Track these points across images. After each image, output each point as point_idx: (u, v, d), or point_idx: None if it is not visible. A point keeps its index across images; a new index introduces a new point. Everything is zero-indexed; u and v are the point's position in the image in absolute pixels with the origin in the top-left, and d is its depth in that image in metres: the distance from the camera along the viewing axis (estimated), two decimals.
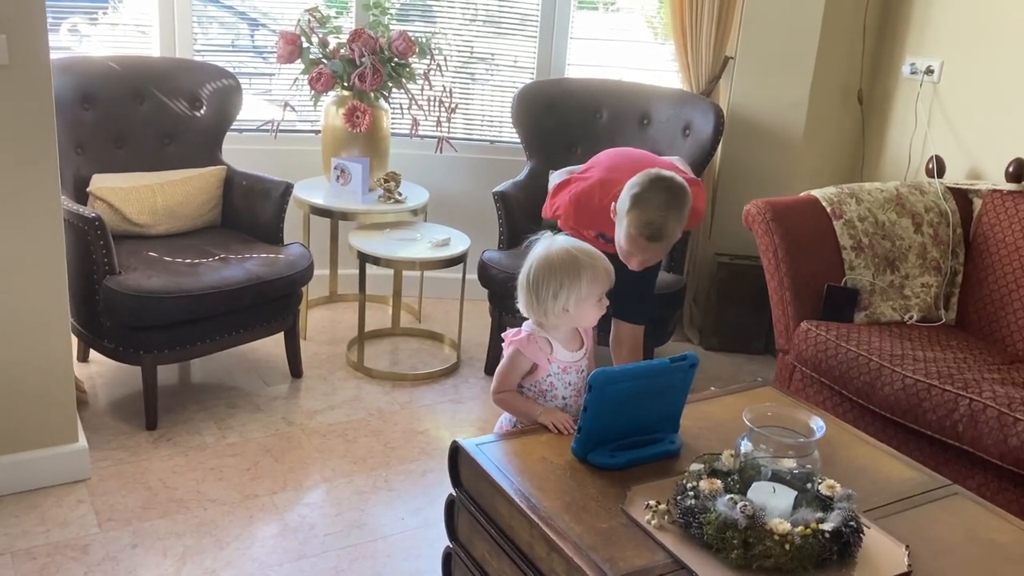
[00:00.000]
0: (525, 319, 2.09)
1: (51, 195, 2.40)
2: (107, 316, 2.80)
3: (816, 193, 3.16)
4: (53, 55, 2.35)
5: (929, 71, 3.51)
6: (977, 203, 3.22)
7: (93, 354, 3.24)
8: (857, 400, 2.75)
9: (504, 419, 2.14)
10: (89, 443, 2.68)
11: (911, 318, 3.05)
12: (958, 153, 3.41)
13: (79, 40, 3.72)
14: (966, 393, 2.48)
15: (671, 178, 2.30)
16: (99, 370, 3.23)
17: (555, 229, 2.34)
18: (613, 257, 2.54)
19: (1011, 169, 3.12)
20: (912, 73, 3.59)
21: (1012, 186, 3.12)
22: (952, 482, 1.92)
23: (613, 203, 2.36)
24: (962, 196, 3.25)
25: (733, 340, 3.90)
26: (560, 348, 2.04)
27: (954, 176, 3.37)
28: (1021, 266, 2.96)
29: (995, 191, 3.14)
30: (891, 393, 2.62)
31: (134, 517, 2.47)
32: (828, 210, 3.09)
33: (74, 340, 2.82)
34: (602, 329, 2.87)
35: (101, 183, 3.12)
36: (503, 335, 2.11)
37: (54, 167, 2.39)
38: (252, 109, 3.76)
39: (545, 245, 2.03)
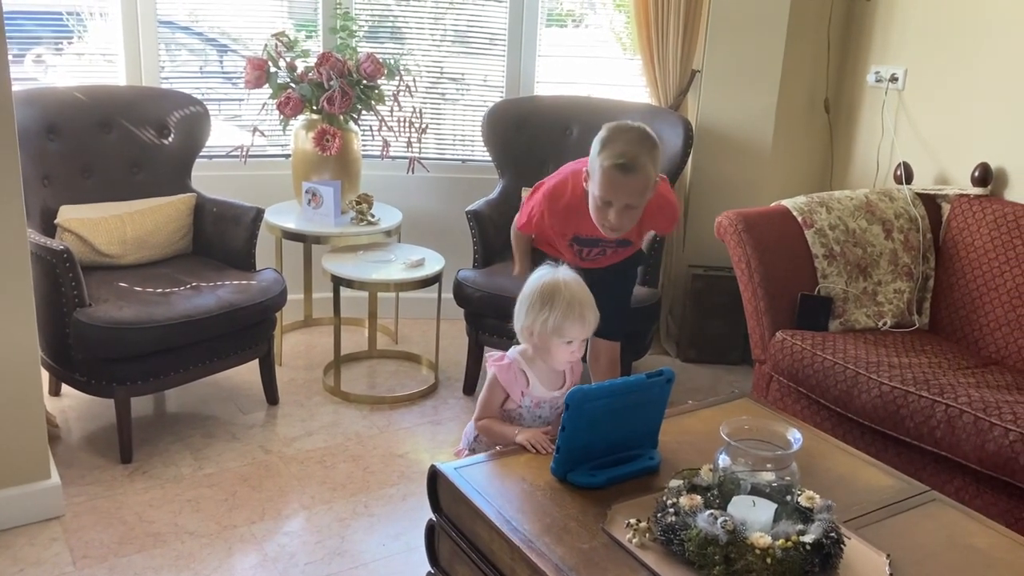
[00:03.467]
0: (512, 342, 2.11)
1: (17, 228, 2.36)
2: (78, 349, 2.76)
3: (787, 203, 3.18)
4: (18, 86, 2.33)
5: (893, 79, 3.56)
6: (945, 208, 3.25)
7: (65, 388, 3.20)
8: (835, 408, 2.76)
9: (469, 428, 2.14)
10: (62, 479, 2.63)
11: (885, 324, 3.07)
12: (925, 159, 3.45)
13: (44, 70, 3.69)
14: (942, 399, 2.50)
15: (638, 122, 2.36)
16: (71, 404, 3.19)
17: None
18: (592, 271, 2.55)
19: (977, 173, 3.16)
20: (877, 81, 3.64)
21: (979, 190, 3.16)
22: (930, 488, 1.93)
23: (585, 169, 2.37)
24: (930, 201, 3.28)
25: (710, 351, 3.91)
26: (536, 384, 2.04)
27: (922, 182, 3.40)
28: (991, 269, 2.99)
29: (962, 196, 3.18)
30: (868, 401, 2.63)
31: (110, 553, 2.43)
32: (799, 219, 3.11)
33: (44, 374, 2.78)
34: None
35: (69, 214, 3.08)
36: (486, 355, 2.11)
37: (19, 200, 2.36)
38: (221, 135, 3.74)
39: (549, 270, 2.04)
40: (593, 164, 2.31)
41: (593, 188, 2.33)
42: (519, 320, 2.02)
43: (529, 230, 2.64)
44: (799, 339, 2.88)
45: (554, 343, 1.99)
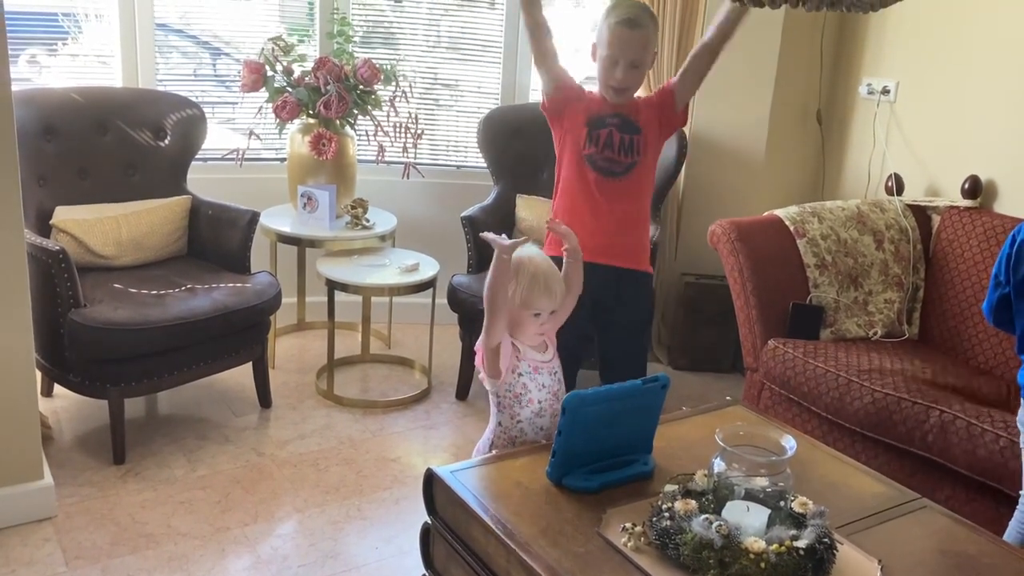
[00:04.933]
0: None
1: (14, 229, 2.37)
2: (72, 350, 2.76)
3: (779, 212, 3.21)
4: (13, 87, 2.33)
5: (885, 91, 3.60)
6: (936, 219, 3.29)
7: (57, 388, 3.19)
8: (826, 416, 2.78)
9: (482, 444, 2.14)
10: (55, 480, 2.63)
11: (875, 334, 3.10)
12: (916, 171, 3.49)
13: (39, 71, 3.69)
14: (936, 405, 2.53)
15: None
16: (64, 405, 3.18)
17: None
18: (605, 305, 2.53)
19: (967, 186, 3.20)
20: (869, 93, 3.67)
21: (968, 202, 3.19)
22: (921, 495, 1.95)
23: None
24: (921, 213, 3.32)
25: (701, 359, 3.93)
26: (528, 349, 2.05)
27: (912, 193, 3.44)
28: (980, 280, 3.02)
29: (952, 207, 3.22)
30: (861, 407, 2.65)
31: (103, 554, 2.43)
32: (791, 229, 3.14)
33: (37, 375, 2.78)
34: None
35: (65, 215, 3.09)
36: (476, 346, 2.11)
37: (17, 201, 2.36)
38: (216, 138, 3.75)
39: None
40: (601, 30, 2.46)
41: (601, 50, 2.47)
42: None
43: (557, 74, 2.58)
44: (791, 347, 2.91)
45: (523, 316, 2.01)
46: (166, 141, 3.40)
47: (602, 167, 2.55)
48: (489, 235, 2.00)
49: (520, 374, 2.03)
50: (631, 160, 2.56)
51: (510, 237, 2.05)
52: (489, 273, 2.00)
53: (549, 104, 2.61)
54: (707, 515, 1.60)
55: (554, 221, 2.20)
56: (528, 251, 2.06)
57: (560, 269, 2.10)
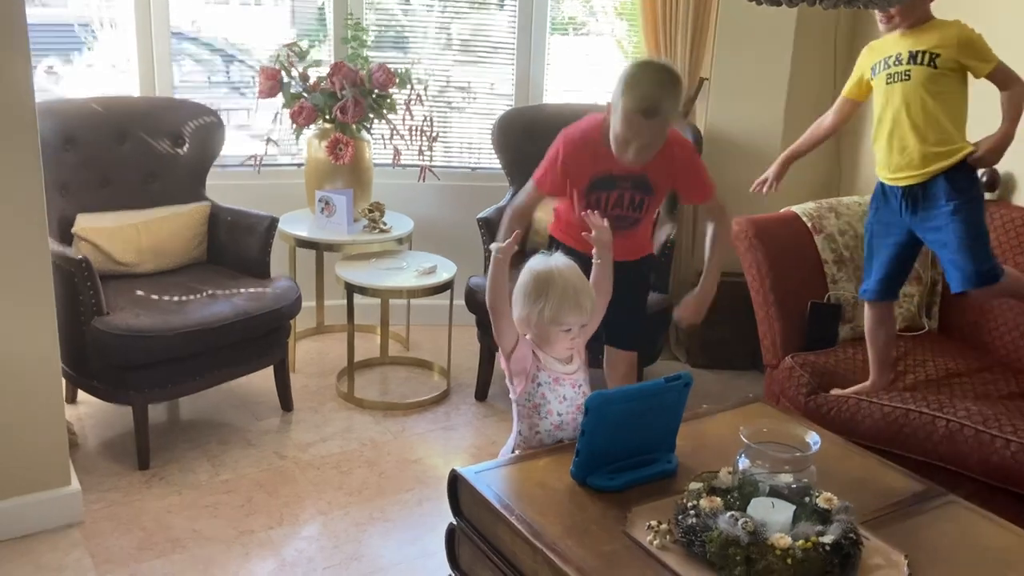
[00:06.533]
0: None
1: (39, 238, 2.40)
2: (96, 357, 2.79)
3: (796, 209, 3.21)
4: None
5: None
6: None
7: (81, 395, 3.22)
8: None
9: (504, 451, 2.15)
10: (81, 485, 2.66)
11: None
12: None
13: (56, 81, 3.73)
14: (942, 414, 2.51)
15: (662, 61, 2.37)
16: (88, 411, 3.21)
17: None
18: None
19: (984, 179, 3.17)
20: None
21: (986, 195, 3.17)
22: (946, 490, 1.95)
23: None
24: None
25: (720, 357, 3.93)
26: (550, 359, 2.04)
27: None
28: None
29: None
30: (872, 424, 2.62)
31: (130, 559, 2.45)
32: (808, 225, 3.14)
33: (62, 382, 2.81)
34: (592, 350, 2.87)
35: (86, 223, 3.12)
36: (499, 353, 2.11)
37: (41, 211, 2.39)
38: (233, 144, 3.77)
39: (542, 258, 2.04)
40: (616, 103, 2.35)
41: (615, 124, 2.37)
42: (515, 311, 2.02)
43: (544, 186, 2.58)
44: (808, 372, 2.85)
45: (553, 332, 1.99)
46: (184, 148, 3.43)
47: (608, 221, 2.51)
48: (492, 245, 2.03)
49: (539, 384, 2.02)
50: (638, 216, 2.59)
51: (526, 238, 2.03)
52: (488, 276, 2.00)
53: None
54: (732, 512, 1.60)
55: (590, 213, 2.16)
56: (557, 262, 2.01)
57: (586, 269, 2.09)
